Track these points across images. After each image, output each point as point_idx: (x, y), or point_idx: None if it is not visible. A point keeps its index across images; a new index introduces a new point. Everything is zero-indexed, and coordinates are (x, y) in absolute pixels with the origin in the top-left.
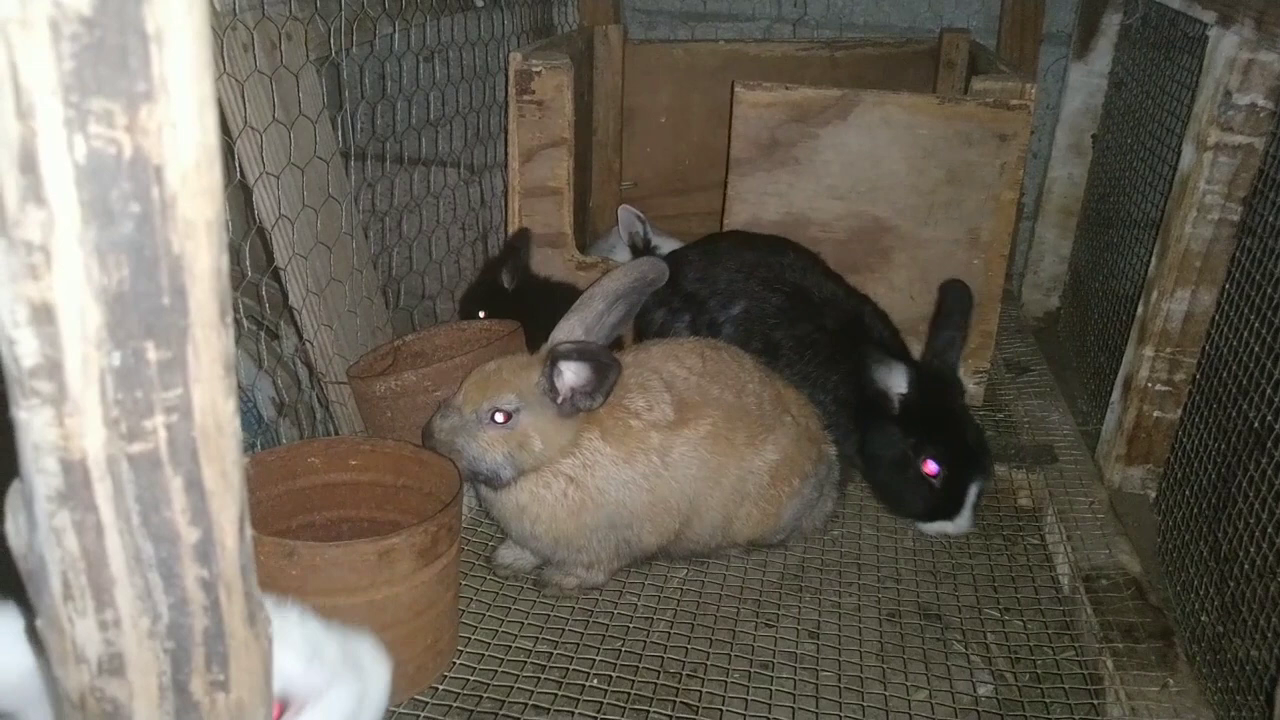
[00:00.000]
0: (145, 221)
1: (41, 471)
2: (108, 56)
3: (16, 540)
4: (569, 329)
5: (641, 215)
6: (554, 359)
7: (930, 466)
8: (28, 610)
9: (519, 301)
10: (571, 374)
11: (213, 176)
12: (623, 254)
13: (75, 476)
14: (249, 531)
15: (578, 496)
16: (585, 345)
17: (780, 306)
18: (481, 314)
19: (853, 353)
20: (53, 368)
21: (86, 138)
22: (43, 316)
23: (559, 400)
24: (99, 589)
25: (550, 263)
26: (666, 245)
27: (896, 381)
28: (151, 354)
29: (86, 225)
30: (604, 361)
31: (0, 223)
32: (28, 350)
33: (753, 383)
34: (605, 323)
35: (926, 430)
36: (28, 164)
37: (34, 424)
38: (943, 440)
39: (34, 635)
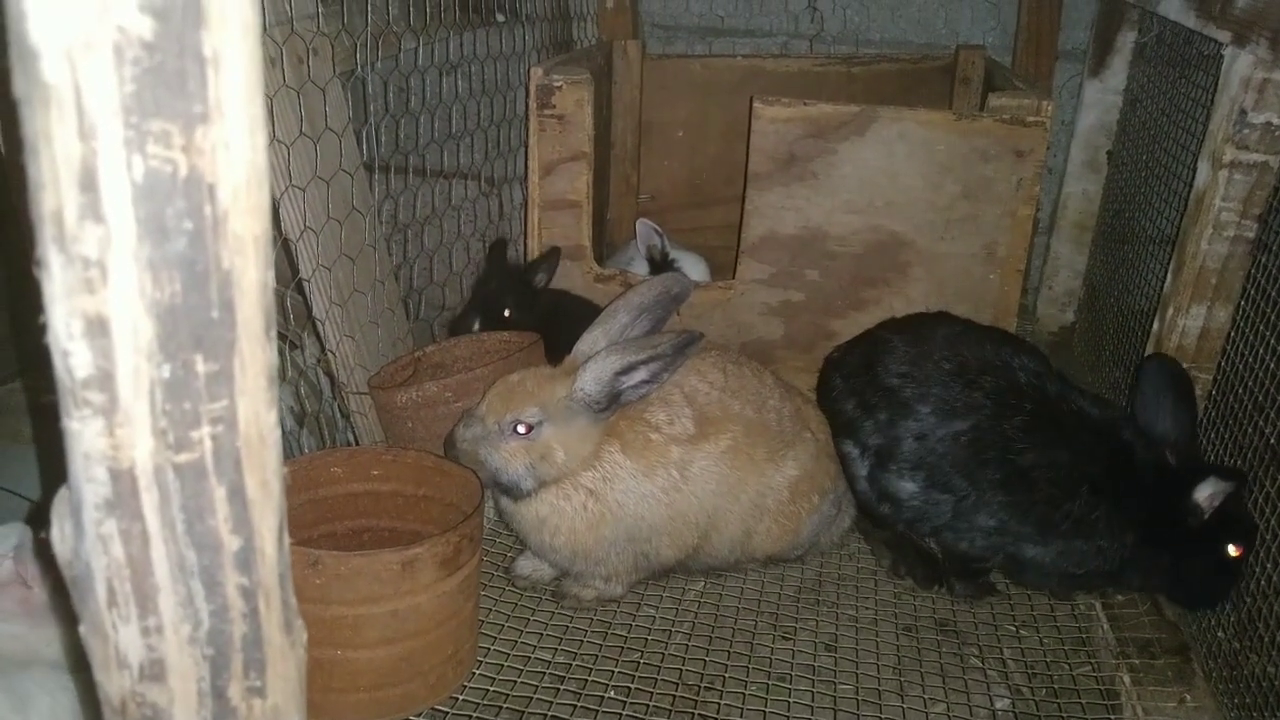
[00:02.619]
0: (198, 238)
1: (90, 480)
2: (167, 79)
3: (62, 547)
4: (593, 341)
5: (659, 229)
6: (647, 360)
7: (1234, 549)
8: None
9: (540, 305)
10: (642, 374)
11: (262, 194)
12: (640, 267)
13: (123, 485)
14: (287, 540)
15: (597, 509)
16: (668, 341)
17: (1024, 427)
18: (506, 312)
19: (1133, 483)
20: (105, 379)
21: (144, 157)
22: (97, 329)
23: (604, 406)
24: (143, 596)
25: (568, 275)
26: (684, 258)
27: (1210, 495)
28: (200, 366)
29: (142, 241)
30: (682, 345)
31: (59, 239)
32: (81, 362)
33: (773, 398)
34: (629, 336)
35: (1217, 520)
36: (88, 182)
37: (85, 434)
38: (1232, 518)
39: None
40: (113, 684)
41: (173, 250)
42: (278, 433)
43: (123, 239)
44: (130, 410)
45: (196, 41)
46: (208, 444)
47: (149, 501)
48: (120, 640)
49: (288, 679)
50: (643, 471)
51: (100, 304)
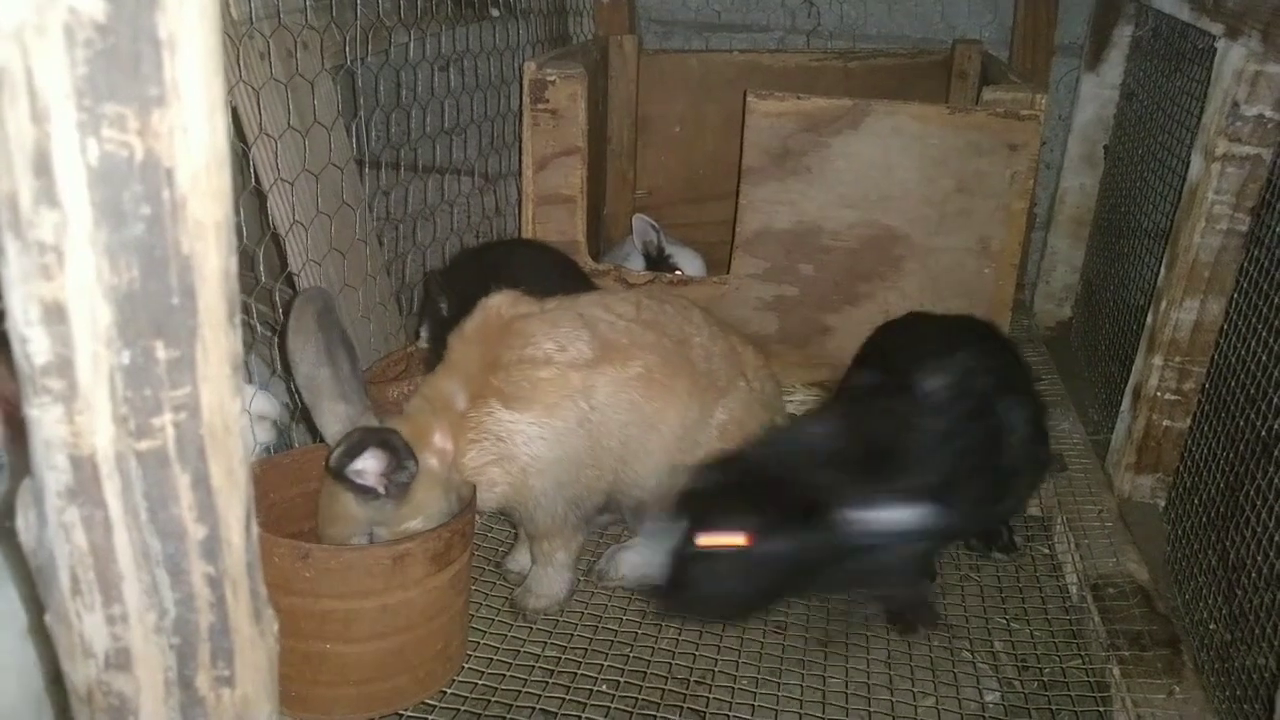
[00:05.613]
0: (156, 223)
1: (52, 468)
2: (121, 62)
3: (27, 535)
4: (334, 419)
5: (655, 224)
6: (338, 475)
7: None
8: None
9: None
10: (371, 463)
11: (222, 179)
12: (636, 262)
13: (84, 473)
14: (255, 529)
15: (515, 466)
16: (353, 442)
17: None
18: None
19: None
20: (64, 365)
21: (99, 141)
22: (54, 315)
23: (385, 494)
24: (107, 584)
25: None
26: (680, 254)
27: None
28: (160, 353)
29: (98, 226)
30: (384, 441)
31: (14, 224)
32: (40, 348)
33: (700, 337)
34: (344, 374)
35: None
36: (42, 167)
37: (45, 421)
38: None
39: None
40: (79, 673)
41: (130, 235)
42: (244, 421)
43: (79, 224)
44: (90, 397)
45: (151, 24)
46: (170, 431)
47: (111, 489)
48: (85, 629)
49: (258, 668)
50: (543, 415)
51: (57, 290)
